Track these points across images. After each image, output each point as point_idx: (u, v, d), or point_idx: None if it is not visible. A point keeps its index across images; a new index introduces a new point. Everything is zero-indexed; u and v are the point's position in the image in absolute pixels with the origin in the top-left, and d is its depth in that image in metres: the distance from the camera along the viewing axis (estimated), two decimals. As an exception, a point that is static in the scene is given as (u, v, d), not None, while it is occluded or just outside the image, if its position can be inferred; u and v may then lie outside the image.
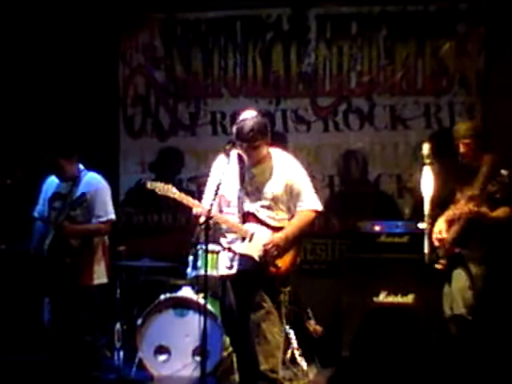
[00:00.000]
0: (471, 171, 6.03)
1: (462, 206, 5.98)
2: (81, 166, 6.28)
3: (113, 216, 6.26)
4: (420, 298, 6.74)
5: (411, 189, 7.51)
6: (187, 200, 5.51)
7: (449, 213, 6.14)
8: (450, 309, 6.12)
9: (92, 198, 6.15)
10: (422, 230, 5.68)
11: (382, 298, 6.96)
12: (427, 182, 5.65)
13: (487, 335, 6.01)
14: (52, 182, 6.32)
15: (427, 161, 5.70)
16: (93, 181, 6.25)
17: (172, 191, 5.49)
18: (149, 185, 5.50)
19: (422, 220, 5.66)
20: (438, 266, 6.03)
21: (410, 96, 7.88)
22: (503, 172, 5.74)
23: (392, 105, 7.91)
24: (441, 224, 6.12)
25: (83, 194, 6.05)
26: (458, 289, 6.02)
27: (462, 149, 6.15)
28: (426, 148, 5.74)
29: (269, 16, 8.09)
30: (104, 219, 6.21)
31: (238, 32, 8.16)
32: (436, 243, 6.04)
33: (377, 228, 7.16)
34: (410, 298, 6.91)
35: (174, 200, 5.52)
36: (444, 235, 6.06)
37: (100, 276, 6.22)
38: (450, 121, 7.78)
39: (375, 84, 7.94)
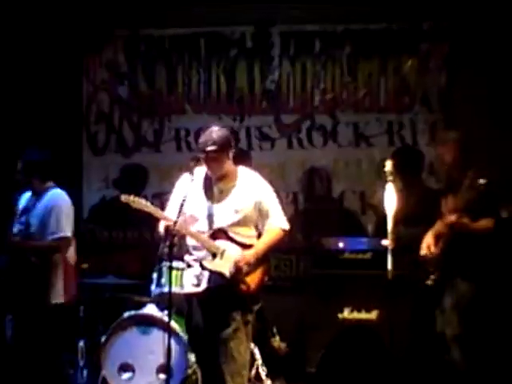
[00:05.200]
0: (455, 185, 5.99)
1: (447, 217, 5.97)
2: (49, 183, 6.24)
3: (67, 233, 6.16)
4: (384, 314, 6.77)
5: (374, 205, 7.56)
6: (160, 214, 5.52)
7: (436, 227, 6.15)
8: (443, 328, 6.04)
9: (49, 213, 6.11)
10: (386, 246, 5.70)
11: (346, 314, 6.98)
12: (390, 199, 5.66)
13: (475, 352, 5.99)
14: (25, 197, 6.29)
15: (390, 178, 5.71)
16: (53, 196, 6.20)
17: (146, 205, 5.49)
18: (123, 198, 5.49)
19: (385, 237, 5.67)
20: (428, 283, 6.01)
21: (372, 113, 7.95)
22: (481, 181, 5.74)
23: (355, 122, 7.97)
24: (428, 239, 6.08)
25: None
26: (450, 308, 5.96)
27: (446, 155, 6.14)
28: (388, 165, 5.75)
29: (232, 33, 8.13)
30: (56, 236, 6.13)
31: (201, 49, 8.18)
32: (424, 258, 6.04)
33: (340, 244, 7.17)
34: (373, 315, 6.93)
35: (148, 213, 5.51)
36: (432, 250, 6.05)
37: (56, 296, 6.15)
38: (412, 138, 7.87)
39: (338, 101, 8.01)
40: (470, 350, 5.90)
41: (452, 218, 5.85)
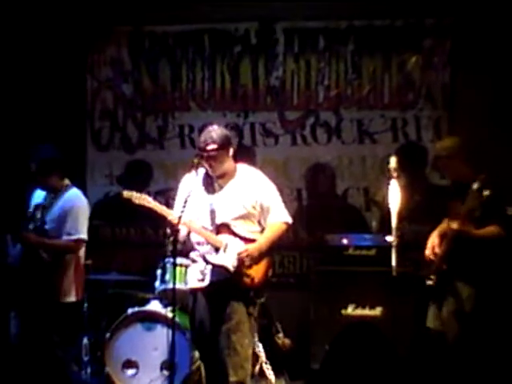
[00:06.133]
0: (462, 187, 5.92)
1: (450, 224, 5.94)
2: (66, 181, 6.24)
3: (83, 236, 6.17)
4: (388, 310, 6.78)
5: (378, 202, 7.56)
6: (163, 209, 5.53)
7: (442, 226, 6.13)
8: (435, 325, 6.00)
9: (66, 214, 6.11)
10: (390, 242, 5.70)
11: (350, 310, 6.99)
12: (394, 196, 5.66)
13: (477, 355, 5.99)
14: (39, 193, 6.28)
15: (394, 174, 5.71)
16: (72, 197, 6.20)
17: (148, 200, 5.52)
18: (125, 194, 5.52)
19: (390, 233, 5.67)
20: (429, 283, 6.00)
21: (376, 110, 7.94)
22: (485, 193, 5.72)
23: (359, 119, 7.96)
24: (434, 238, 6.07)
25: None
26: (450, 312, 5.91)
27: (441, 168, 6.15)
28: (392, 161, 5.75)
29: (237, 30, 8.12)
30: (73, 237, 6.14)
31: (206, 45, 8.18)
32: (429, 257, 6.02)
33: (345, 241, 7.19)
34: (377, 311, 6.94)
35: (150, 209, 5.53)
36: (436, 250, 6.03)
37: (68, 294, 6.17)
38: (416, 135, 7.86)
39: (342, 98, 8.00)
40: (470, 353, 5.89)
41: (454, 225, 5.82)
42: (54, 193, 6.17)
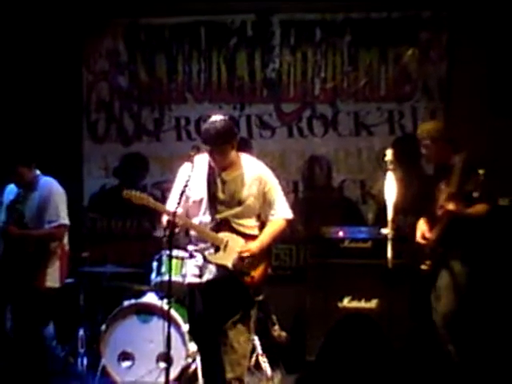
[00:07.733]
0: (446, 170, 5.98)
1: (441, 205, 5.95)
2: (37, 172, 6.26)
3: (64, 221, 6.23)
4: (383, 303, 6.78)
5: (375, 195, 7.56)
6: (163, 208, 5.44)
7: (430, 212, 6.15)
8: (435, 308, 6.05)
9: (45, 202, 6.14)
10: (385, 235, 5.70)
11: (346, 303, 6.99)
12: (390, 188, 5.66)
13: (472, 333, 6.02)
14: (12, 189, 6.30)
15: (390, 167, 5.71)
16: (46, 185, 6.24)
17: (148, 200, 5.38)
18: (125, 194, 5.39)
19: (385, 225, 5.68)
20: (423, 267, 6.01)
21: (373, 102, 7.94)
22: (480, 171, 5.72)
23: (356, 111, 7.96)
24: (422, 226, 6.12)
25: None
26: (444, 287, 5.96)
27: (423, 150, 6.17)
28: (389, 154, 5.75)
29: (233, 22, 8.11)
30: (55, 224, 6.18)
31: (202, 38, 8.16)
32: (420, 243, 6.03)
33: (340, 233, 7.18)
34: (373, 303, 6.95)
35: (151, 208, 5.45)
36: (427, 236, 6.05)
37: (52, 279, 6.20)
38: (412, 127, 7.84)
39: (339, 90, 8.00)
40: (461, 335, 5.91)
41: (450, 206, 5.84)
42: (27, 186, 6.19)
